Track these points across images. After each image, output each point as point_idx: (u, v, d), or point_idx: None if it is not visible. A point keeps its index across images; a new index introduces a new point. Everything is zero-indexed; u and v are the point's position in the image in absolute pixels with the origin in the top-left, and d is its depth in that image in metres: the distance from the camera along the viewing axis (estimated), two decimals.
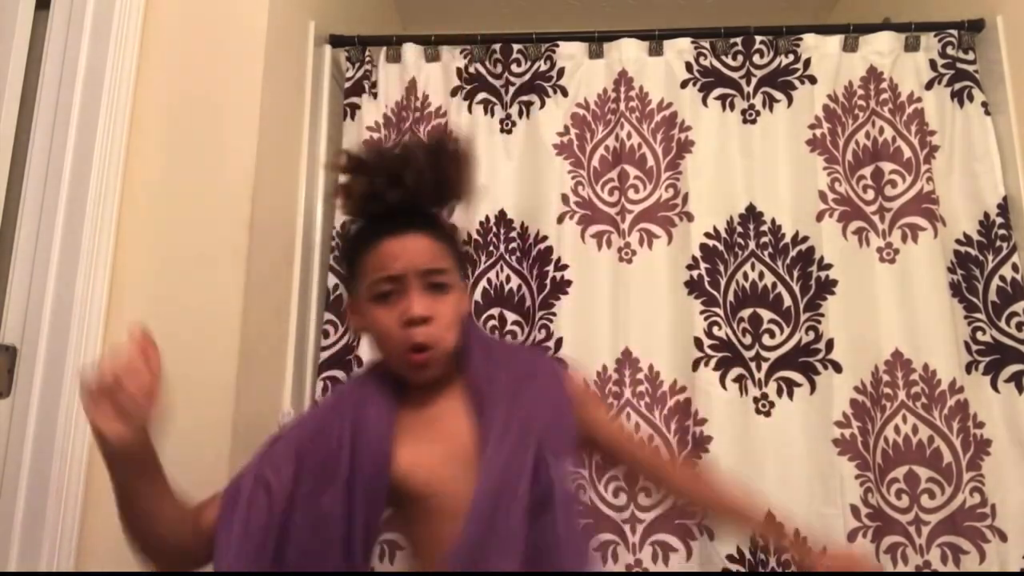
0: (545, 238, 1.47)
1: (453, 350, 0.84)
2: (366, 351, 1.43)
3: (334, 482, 0.76)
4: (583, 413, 0.90)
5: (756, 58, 1.53)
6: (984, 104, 1.48)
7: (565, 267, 1.45)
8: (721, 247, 1.45)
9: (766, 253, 1.44)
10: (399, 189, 0.81)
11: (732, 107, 1.52)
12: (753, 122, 1.51)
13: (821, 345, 1.39)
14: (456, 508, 0.76)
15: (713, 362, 1.39)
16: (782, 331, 1.41)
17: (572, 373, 0.97)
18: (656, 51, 1.56)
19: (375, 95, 1.57)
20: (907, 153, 1.47)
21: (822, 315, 1.40)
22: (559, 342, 1.41)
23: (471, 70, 1.57)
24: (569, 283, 1.44)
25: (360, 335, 0.91)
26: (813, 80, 1.51)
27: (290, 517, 0.76)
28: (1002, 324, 1.39)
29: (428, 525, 0.80)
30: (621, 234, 1.47)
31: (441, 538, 0.76)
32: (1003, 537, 1.30)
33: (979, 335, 1.40)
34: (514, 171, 1.52)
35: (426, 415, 0.85)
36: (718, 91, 1.53)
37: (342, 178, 0.86)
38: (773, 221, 1.45)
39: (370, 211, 0.85)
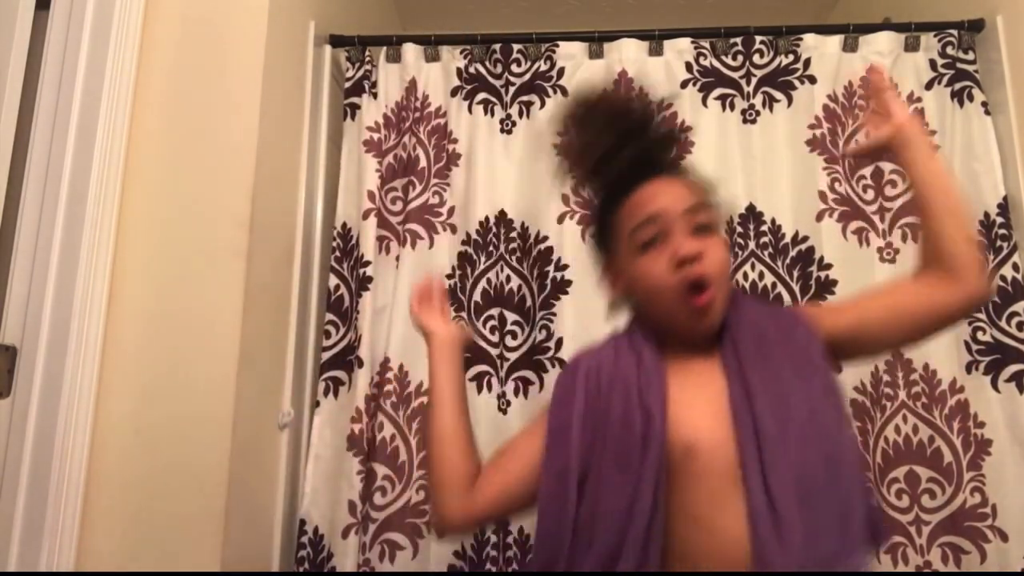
0: (546, 238, 1.47)
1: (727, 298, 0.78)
2: (366, 351, 1.43)
3: (629, 461, 0.72)
4: (826, 332, 0.81)
5: (756, 58, 1.54)
6: (984, 104, 1.48)
7: (565, 267, 1.45)
8: None
9: (766, 253, 1.44)
10: (632, 146, 0.79)
11: (732, 107, 1.52)
12: (753, 122, 1.51)
13: None
14: (719, 468, 0.71)
15: None
16: None
17: (808, 311, 0.86)
18: (656, 51, 1.56)
19: (375, 95, 1.57)
20: None
21: None
22: (559, 342, 1.41)
23: (471, 70, 1.57)
24: (569, 283, 1.44)
25: (624, 303, 0.86)
26: (813, 80, 1.51)
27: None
28: (1002, 324, 1.38)
29: (688, 490, 0.73)
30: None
31: (702, 499, 0.72)
32: (1004, 537, 1.29)
33: (979, 335, 1.40)
34: (514, 171, 1.52)
35: (687, 371, 0.78)
36: (718, 91, 1.53)
37: (565, 139, 0.83)
38: (773, 221, 1.45)
39: (607, 172, 0.82)
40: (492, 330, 1.45)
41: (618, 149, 0.80)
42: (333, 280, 1.48)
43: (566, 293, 1.44)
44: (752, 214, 1.46)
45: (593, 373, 0.80)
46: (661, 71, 1.55)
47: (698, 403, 0.76)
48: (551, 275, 1.45)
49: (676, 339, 0.80)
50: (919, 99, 1.50)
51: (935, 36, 1.53)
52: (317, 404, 1.44)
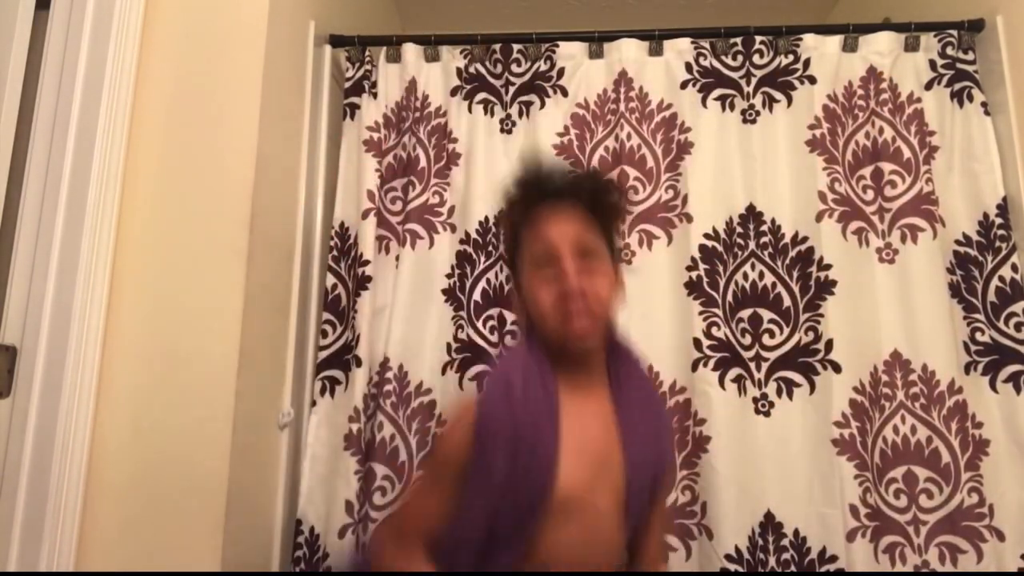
0: None
1: (606, 329, 0.90)
2: (365, 350, 1.43)
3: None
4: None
5: (756, 58, 1.53)
6: (984, 104, 1.48)
7: None
8: (720, 248, 1.45)
9: (766, 253, 1.44)
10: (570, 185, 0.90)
11: (732, 107, 1.52)
12: (753, 122, 1.51)
13: (820, 345, 1.39)
14: (586, 512, 0.83)
15: (712, 362, 1.39)
16: (782, 331, 1.41)
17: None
18: (656, 51, 1.56)
19: (375, 95, 1.57)
20: (907, 153, 1.47)
21: (821, 315, 1.40)
22: None
23: (471, 70, 1.57)
24: None
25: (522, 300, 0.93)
26: (813, 80, 1.51)
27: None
28: (1001, 325, 1.39)
29: (558, 529, 0.82)
30: (620, 236, 1.47)
31: (564, 541, 0.82)
32: (1001, 537, 1.30)
33: (978, 335, 1.40)
34: (514, 171, 1.52)
35: (575, 401, 0.87)
36: (718, 91, 1.53)
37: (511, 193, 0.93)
38: (773, 221, 1.45)
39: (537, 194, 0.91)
40: (492, 330, 1.45)
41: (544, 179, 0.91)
42: (330, 279, 1.48)
43: None
44: (752, 214, 1.46)
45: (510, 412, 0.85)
46: (661, 71, 1.55)
47: (581, 454, 0.85)
48: None
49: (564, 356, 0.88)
50: (919, 99, 1.50)
51: (935, 36, 1.53)
52: (314, 403, 1.44)
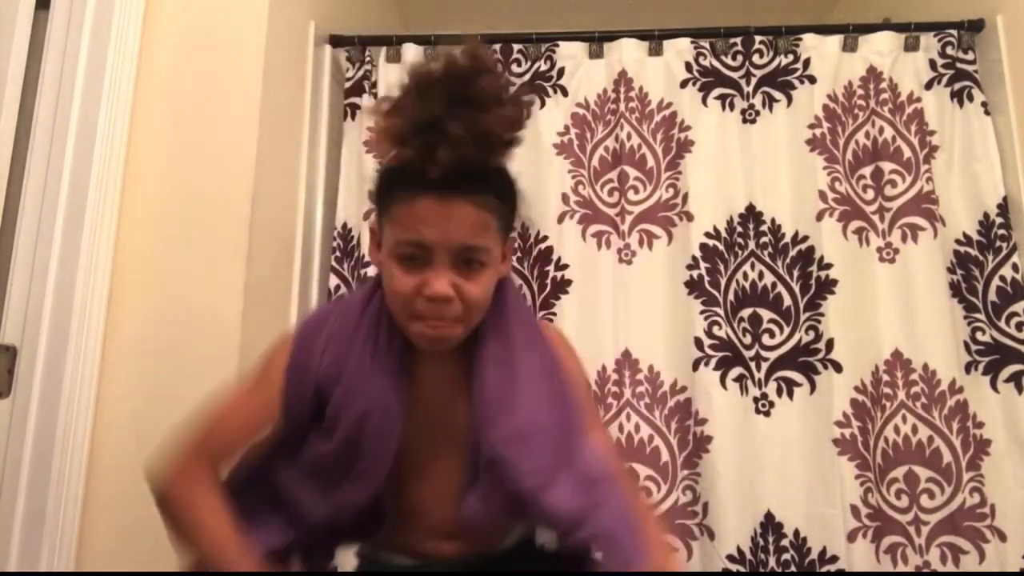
0: (546, 238, 1.47)
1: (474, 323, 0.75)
2: None
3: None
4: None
5: (756, 58, 1.53)
6: (984, 104, 1.48)
7: (565, 267, 1.45)
8: (721, 247, 1.45)
9: (766, 253, 1.44)
10: (437, 165, 0.66)
11: (732, 107, 1.52)
12: (753, 122, 1.51)
13: (821, 345, 1.39)
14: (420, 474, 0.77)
15: (713, 362, 1.39)
16: (782, 331, 1.41)
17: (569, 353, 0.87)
18: (656, 51, 1.56)
19: (375, 95, 1.57)
20: (907, 153, 1.47)
21: (822, 315, 1.40)
22: None
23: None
24: (569, 283, 1.44)
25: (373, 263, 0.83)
26: (813, 80, 1.51)
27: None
28: (1002, 324, 1.39)
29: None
30: (621, 235, 1.47)
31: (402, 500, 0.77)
32: (1002, 537, 1.30)
33: (979, 335, 1.40)
34: (514, 171, 1.52)
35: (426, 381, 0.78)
36: (718, 91, 1.53)
37: (378, 123, 0.70)
38: (773, 221, 1.45)
39: (411, 175, 0.70)
40: None
41: (419, 168, 0.68)
42: (334, 280, 1.48)
43: (566, 292, 1.44)
44: (752, 214, 1.46)
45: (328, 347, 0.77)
46: (661, 71, 1.55)
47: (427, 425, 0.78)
48: (551, 275, 1.45)
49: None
50: (919, 99, 1.50)
51: (935, 36, 1.53)
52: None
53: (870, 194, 1.46)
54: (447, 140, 0.66)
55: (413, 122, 0.68)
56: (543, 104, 1.54)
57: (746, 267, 1.44)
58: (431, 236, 0.69)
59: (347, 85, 1.58)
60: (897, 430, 1.35)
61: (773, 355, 1.40)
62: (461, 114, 0.66)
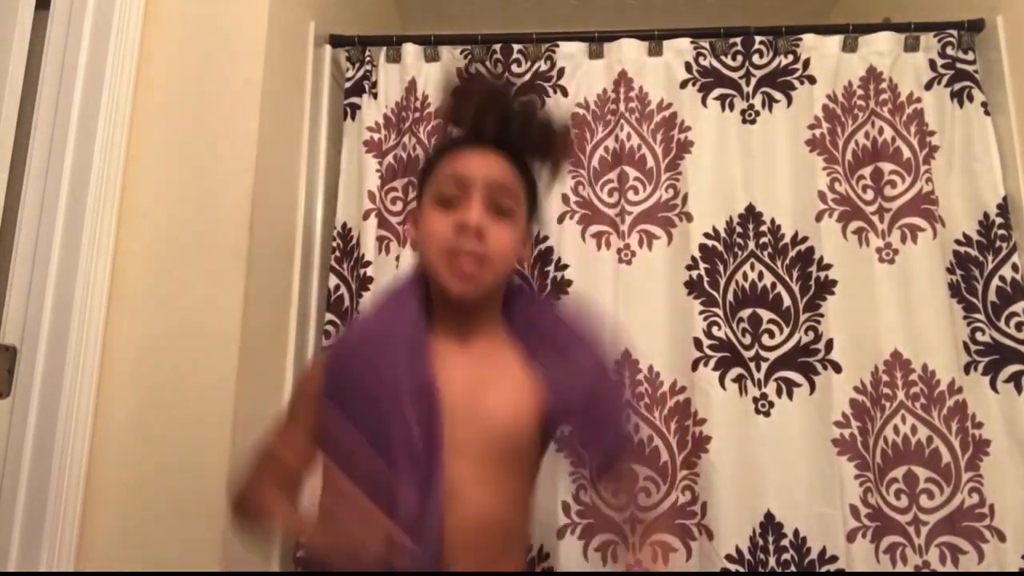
0: (546, 238, 1.47)
1: (499, 284, 0.82)
2: None
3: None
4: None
5: (756, 58, 1.53)
6: (984, 104, 1.48)
7: (565, 267, 1.45)
8: (721, 247, 1.45)
9: (766, 253, 1.44)
10: (503, 132, 0.82)
11: (731, 107, 1.52)
12: (752, 122, 1.51)
13: (820, 345, 1.39)
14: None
15: (713, 362, 1.39)
16: (781, 331, 1.41)
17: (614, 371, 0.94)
18: (656, 51, 1.56)
19: (375, 95, 1.57)
20: (907, 153, 1.47)
21: (821, 315, 1.40)
22: None
23: (471, 70, 1.57)
24: (569, 283, 1.44)
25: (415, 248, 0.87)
26: (813, 80, 1.51)
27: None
28: (1001, 324, 1.39)
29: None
30: (620, 236, 1.47)
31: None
32: (1002, 537, 1.30)
33: (978, 335, 1.40)
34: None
35: (449, 352, 0.81)
36: (717, 91, 1.53)
37: (451, 99, 0.85)
38: (773, 221, 1.45)
39: (466, 136, 0.84)
40: None
41: (484, 129, 0.82)
42: (333, 280, 1.48)
43: (566, 293, 1.44)
44: (751, 214, 1.46)
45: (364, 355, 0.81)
46: (661, 71, 1.55)
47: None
48: (551, 275, 1.45)
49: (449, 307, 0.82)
50: (919, 99, 1.50)
51: (935, 36, 1.53)
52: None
53: (870, 194, 1.46)
54: (499, 115, 0.81)
55: (475, 101, 0.83)
56: (543, 104, 1.54)
57: (746, 267, 1.44)
58: (470, 169, 0.79)
59: (347, 85, 1.59)
60: (896, 430, 1.35)
61: (772, 355, 1.40)
62: (516, 107, 0.83)
